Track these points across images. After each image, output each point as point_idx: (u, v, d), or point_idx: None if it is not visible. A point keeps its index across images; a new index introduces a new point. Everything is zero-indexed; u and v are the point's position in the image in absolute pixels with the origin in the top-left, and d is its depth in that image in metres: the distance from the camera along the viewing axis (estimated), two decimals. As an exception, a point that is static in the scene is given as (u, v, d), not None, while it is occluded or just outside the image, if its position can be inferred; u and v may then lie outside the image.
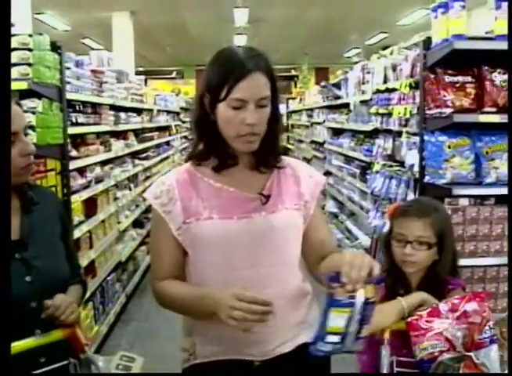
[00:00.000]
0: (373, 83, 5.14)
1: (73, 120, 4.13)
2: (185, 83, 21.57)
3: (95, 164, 4.72)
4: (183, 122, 11.57)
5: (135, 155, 6.73)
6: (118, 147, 5.61)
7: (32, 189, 1.92)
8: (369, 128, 5.30)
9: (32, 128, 3.28)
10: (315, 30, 15.48)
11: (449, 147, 3.35)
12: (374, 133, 5.21)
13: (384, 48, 5.37)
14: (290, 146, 14.44)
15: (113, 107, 5.38)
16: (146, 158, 7.23)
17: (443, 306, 1.92)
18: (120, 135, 6.01)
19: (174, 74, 23.24)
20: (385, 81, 4.75)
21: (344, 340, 1.51)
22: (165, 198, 1.78)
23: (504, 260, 3.35)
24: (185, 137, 11.66)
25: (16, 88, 3.17)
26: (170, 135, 9.72)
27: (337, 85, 7.39)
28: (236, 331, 1.67)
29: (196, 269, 1.80)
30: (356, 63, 6.64)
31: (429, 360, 1.86)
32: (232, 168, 1.82)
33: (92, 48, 13.48)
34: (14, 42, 3.33)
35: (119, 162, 5.82)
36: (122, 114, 5.82)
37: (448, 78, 3.36)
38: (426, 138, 3.48)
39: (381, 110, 4.77)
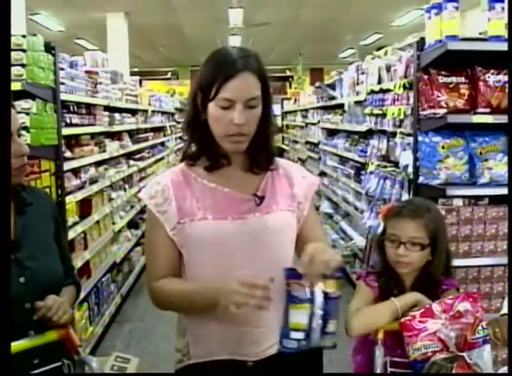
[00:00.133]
0: (368, 84, 5.14)
1: (68, 121, 4.12)
2: (179, 84, 21.51)
3: (89, 164, 4.71)
4: (178, 123, 11.55)
5: (129, 156, 6.72)
6: (113, 148, 5.61)
7: (25, 190, 1.92)
8: (363, 128, 5.31)
9: (26, 129, 3.27)
10: (310, 31, 15.49)
11: (443, 148, 3.36)
12: (369, 134, 5.22)
13: (379, 49, 5.37)
14: (284, 147, 14.44)
15: (107, 108, 5.37)
16: (140, 159, 7.22)
17: (436, 306, 1.93)
18: (115, 135, 6.00)
19: (169, 75, 23.19)
20: (379, 82, 4.76)
21: (309, 336, 1.51)
22: (160, 198, 1.78)
23: (498, 260, 3.37)
24: (180, 138, 11.63)
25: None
26: (165, 135, 9.71)
27: (332, 86, 7.40)
28: (229, 332, 1.68)
29: (190, 270, 1.80)
30: (351, 63, 6.64)
31: (422, 360, 1.87)
32: (225, 168, 1.82)
33: (87, 49, 13.46)
34: (8, 43, 3.32)
35: (114, 163, 5.81)
36: (117, 115, 5.81)
37: (441, 79, 3.37)
38: (420, 138, 3.49)
39: (375, 111, 4.78)
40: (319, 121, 8.50)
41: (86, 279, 4.48)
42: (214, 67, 1.71)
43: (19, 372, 1.66)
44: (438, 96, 3.35)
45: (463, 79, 3.38)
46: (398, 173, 4.08)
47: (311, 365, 1.88)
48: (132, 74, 11.42)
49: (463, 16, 3.74)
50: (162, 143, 9.49)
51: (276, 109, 13.76)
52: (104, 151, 5.24)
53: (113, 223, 5.60)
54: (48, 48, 3.67)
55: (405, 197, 3.84)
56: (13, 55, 3.30)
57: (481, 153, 3.37)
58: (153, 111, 8.53)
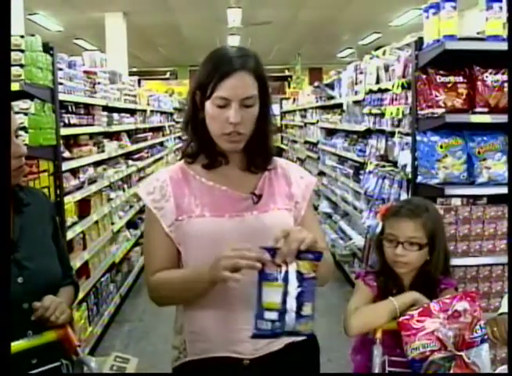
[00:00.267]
0: (366, 83, 5.15)
1: (66, 121, 4.12)
2: (178, 84, 21.51)
3: (88, 165, 4.71)
4: (177, 123, 11.55)
5: (128, 156, 6.72)
6: (111, 148, 5.61)
7: (23, 190, 1.93)
8: (362, 128, 5.32)
9: (24, 129, 3.27)
10: (309, 31, 15.49)
11: (441, 147, 3.36)
12: (367, 133, 5.22)
13: (377, 49, 5.37)
14: (283, 147, 14.45)
15: (106, 108, 5.37)
16: (139, 159, 7.21)
17: (434, 306, 1.93)
18: (114, 135, 6.00)
19: (167, 75, 23.18)
20: (378, 82, 4.77)
21: (283, 317, 1.49)
22: (158, 194, 1.80)
23: (497, 259, 3.38)
24: (179, 138, 11.64)
25: (8, 90, 3.16)
26: (163, 135, 9.71)
27: (331, 86, 7.40)
28: (225, 329, 1.68)
29: (187, 267, 1.80)
30: (349, 63, 6.64)
31: (420, 360, 1.88)
32: (223, 166, 1.83)
33: (86, 49, 13.45)
34: (6, 43, 3.32)
35: (112, 163, 5.81)
36: (115, 115, 5.81)
37: (440, 78, 3.37)
38: (418, 138, 3.49)
39: (374, 111, 4.78)
40: (317, 121, 8.51)
41: (85, 279, 4.48)
42: (212, 66, 1.71)
43: (18, 372, 1.66)
44: (436, 96, 3.35)
45: (461, 79, 3.39)
46: (397, 173, 4.09)
47: (307, 364, 1.89)
48: (131, 74, 11.42)
49: (461, 15, 3.75)
50: (161, 143, 9.49)
51: (275, 108, 13.75)
52: (103, 151, 5.24)
53: (112, 223, 5.60)
54: (47, 48, 3.67)
55: (404, 196, 3.85)
56: (11, 55, 3.30)
57: (479, 153, 3.37)
58: (152, 111, 8.52)
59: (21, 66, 3.33)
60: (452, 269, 2.60)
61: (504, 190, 3.13)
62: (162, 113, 9.73)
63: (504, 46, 2.93)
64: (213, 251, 1.64)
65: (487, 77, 3.33)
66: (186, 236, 1.76)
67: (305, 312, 1.51)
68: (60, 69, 4.00)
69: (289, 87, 20.87)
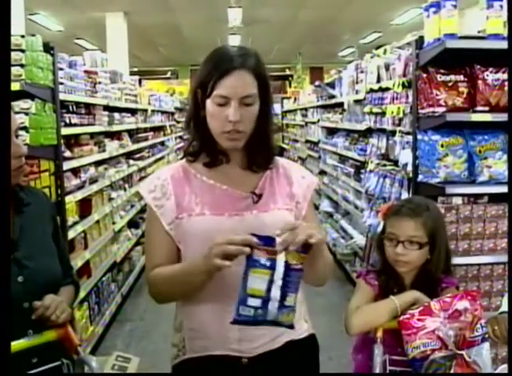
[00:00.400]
0: (367, 82, 5.15)
1: (67, 121, 4.12)
2: (179, 83, 21.52)
3: (89, 164, 4.72)
4: (178, 122, 11.55)
5: (129, 155, 6.72)
6: (112, 148, 5.61)
7: (23, 190, 1.93)
8: (362, 127, 5.32)
9: (25, 129, 3.28)
10: (310, 30, 15.49)
11: (442, 146, 3.37)
12: (368, 132, 5.22)
13: (378, 48, 5.37)
14: (284, 146, 14.44)
15: (107, 108, 5.37)
16: (140, 158, 7.22)
17: (435, 305, 1.93)
18: (115, 135, 6.00)
19: (168, 74, 23.20)
20: (378, 81, 4.76)
21: (266, 305, 1.49)
22: (159, 192, 1.81)
23: (498, 258, 3.38)
24: (180, 137, 11.65)
25: (9, 89, 3.16)
26: (164, 135, 9.71)
27: (331, 85, 7.40)
28: (224, 327, 1.68)
29: None
30: (350, 62, 6.64)
31: (421, 359, 1.87)
32: (224, 165, 1.84)
33: (86, 49, 13.46)
34: (7, 43, 3.32)
35: (113, 162, 5.82)
36: (116, 115, 5.81)
37: (440, 77, 3.37)
38: (419, 137, 3.49)
39: (375, 110, 4.78)
40: (318, 120, 8.51)
41: (86, 278, 4.49)
42: (212, 65, 1.72)
43: (18, 371, 1.67)
44: (437, 95, 3.35)
45: (461, 77, 3.39)
46: (398, 171, 4.09)
47: (307, 363, 1.89)
48: (132, 73, 11.42)
49: (461, 14, 3.74)
50: (162, 143, 9.49)
51: (276, 108, 13.75)
52: (104, 151, 5.25)
53: (114, 223, 5.60)
54: (47, 48, 3.67)
55: (405, 195, 3.85)
56: (12, 55, 3.30)
57: (480, 152, 3.37)
58: (153, 111, 8.53)
59: (22, 66, 3.33)
60: (453, 268, 2.60)
61: (505, 189, 3.13)
62: (163, 112, 9.73)
63: (505, 45, 2.93)
64: None
65: (487, 75, 3.33)
66: (186, 234, 1.77)
67: (288, 303, 1.52)
68: (61, 69, 4.00)
69: (290, 86, 20.85)
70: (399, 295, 2.10)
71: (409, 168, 3.73)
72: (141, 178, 7.14)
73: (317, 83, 8.81)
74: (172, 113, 11.09)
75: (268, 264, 1.49)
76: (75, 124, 4.32)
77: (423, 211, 2.22)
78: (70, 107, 4.28)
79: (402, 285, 2.24)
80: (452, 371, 1.83)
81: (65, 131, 3.99)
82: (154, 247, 1.83)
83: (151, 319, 5.32)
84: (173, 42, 17.10)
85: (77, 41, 15.90)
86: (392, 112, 4.15)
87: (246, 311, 1.49)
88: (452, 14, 3.23)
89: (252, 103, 1.72)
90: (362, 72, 5.52)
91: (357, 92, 5.71)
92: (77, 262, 4.05)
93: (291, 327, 1.57)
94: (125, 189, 6.22)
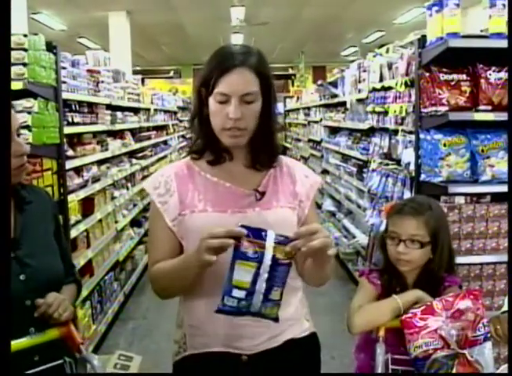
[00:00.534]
0: (369, 81, 5.14)
1: (70, 119, 4.13)
2: (182, 82, 21.52)
3: (91, 163, 4.72)
4: (180, 121, 11.56)
5: (132, 154, 6.72)
6: (115, 147, 5.61)
7: (25, 188, 1.93)
8: (365, 126, 5.32)
9: (28, 127, 3.28)
10: (312, 29, 15.48)
11: (445, 145, 3.36)
12: (371, 131, 5.22)
13: (380, 47, 5.37)
14: (287, 145, 14.44)
15: (109, 107, 5.38)
16: (143, 157, 7.22)
17: (437, 304, 1.93)
18: (117, 134, 6.01)
19: (171, 74, 23.22)
20: (381, 80, 4.76)
21: (251, 298, 1.49)
22: (162, 189, 1.82)
23: (500, 258, 3.37)
24: (183, 136, 11.65)
25: (11, 88, 3.16)
26: (167, 134, 9.71)
27: (334, 84, 7.39)
28: (224, 324, 1.69)
29: None
30: (353, 61, 6.64)
31: (423, 358, 1.88)
32: (228, 163, 1.85)
33: (89, 48, 13.48)
34: (9, 42, 3.32)
35: (116, 161, 5.82)
36: (119, 114, 5.82)
37: (443, 76, 3.37)
38: (421, 136, 3.49)
39: (377, 109, 4.78)
40: (321, 119, 8.51)
41: (89, 277, 4.49)
42: (214, 62, 1.73)
43: (20, 369, 1.67)
44: (440, 94, 3.35)
45: (464, 76, 3.38)
46: (400, 171, 4.09)
47: (307, 362, 1.89)
48: (134, 72, 11.45)
49: (464, 13, 3.74)
50: (165, 142, 9.49)
51: (279, 107, 13.76)
52: (106, 150, 5.25)
53: (116, 222, 5.61)
54: (50, 47, 3.67)
55: (407, 194, 3.85)
56: (15, 54, 3.31)
57: (482, 151, 3.37)
58: (156, 110, 8.53)
59: (24, 65, 3.33)
60: (456, 267, 2.60)
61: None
62: (166, 111, 9.73)
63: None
64: None
65: (490, 74, 3.33)
66: (188, 231, 1.77)
67: (273, 297, 1.52)
68: (64, 68, 4.00)
69: (292, 85, 20.88)
70: (402, 294, 2.10)
71: (412, 167, 3.73)
72: (143, 177, 7.15)
73: (320, 82, 8.81)
74: (175, 113, 11.09)
75: (254, 257, 1.49)
76: (78, 123, 4.32)
77: (425, 210, 2.22)
78: (73, 106, 4.28)
79: (404, 284, 2.24)
80: (454, 370, 1.83)
81: (68, 130, 3.99)
82: (157, 243, 1.84)
83: (154, 317, 5.32)
84: (176, 41, 17.11)
85: (80, 40, 15.91)
86: (395, 111, 4.15)
87: (231, 302, 1.50)
88: (454, 13, 3.22)
89: (253, 100, 1.72)
90: (364, 71, 5.52)
91: (359, 91, 5.70)
92: (79, 260, 4.06)
93: (276, 320, 1.57)
94: (128, 188, 6.22)
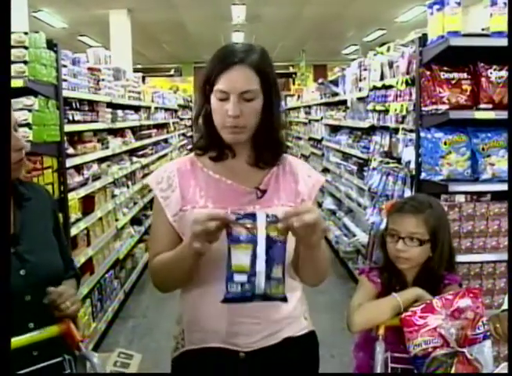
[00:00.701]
0: (370, 80, 5.14)
1: (70, 117, 4.13)
2: (183, 80, 21.55)
3: (92, 161, 4.72)
4: (181, 119, 11.56)
5: (132, 152, 6.72)
6: (115, 145, 5.61)
7: (24, 185, 1.94)
8: (366, 124, 5.31)
9: (28, 125, 3.28)
10: (313, 28, 15.47)
11: (445, 144, 3.36)
12: (371, 130, 5.22)
13: (381, 45, 5.36)
14: (288, 143, 14.43)
15: (110, 105, 5.38)
16: (143, 156, 7.22)
17: (437, 302, 1.94)
18: (118, 132, 6.01)
19: (172, 72, 23.20)
20: (382, 78, 4.76)
21: (252, 280, 1.48)
22: (165, 184, 1.83)
23: (500, 256, 3.37)
24: (183, 134, 11.66)
25: (11, 86, 3.16)
26: (168, 132, 9.72)
27: (335, 82, 7.39)
28: (222, 320, 1.70)
29: None
30: (353, 60, 6.63)
31: (423, 356, 1.88)
32: (231, 161, 1.85)
33: (90, 46, 13.46)
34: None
35: (116, 160, 5.82)
36: (119, 112, 5.82)
37: (444, 75, 3.37)
38: (422, 134, 3.49)
39: (378, 107, 4.78)
40: (322, 118, 8.50)
41: (89, 275, 4.49)
42: (216, 60, 1.73)
43: (19, 364, 1.67)
44: (440, 92, 3.34)
45: (465, 75, 3.38)
46: (401, 169, 4.08)
47: (306, 360, 1.89)
48: (135, 70, 11.42)
49: (465, 11, 3.74)
50: (165, 140, 9.50)
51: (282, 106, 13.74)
52: (107, 148, 5.25)
53: (116, 220, 5.61)
54: (51, 45, 3.67)
55: (408, 193, 3.85)
56: (15, 52, 3.31)
57: (483, 149, 3.37)
58: (156, 108, 8.53)
59: (25, 62, 3.33)
60: (456, 266, 2.60)
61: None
62: (166, 109, 9.73)
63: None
64: None
65: (491, 73, 3.32)
66: (188, 226, 1.77)
67: (275, 274, 1.51)
68: (64, 66, 4.00)
69: (293, 84, 20.87)
70: (401, 292, 2.10)
71: (412, 165, 3.73)
72: (144, 176, 7.15)
73: (320, 80, 8.81)
74: (175, 111, 11.09)
75: (248, 238, 1.49)
76: (78, 121, 4.32)
77: (425, 208, 2.22)
78: (74, 104, 4.28)
79: (404, 282, 2.24)
80: (453, 369, 1.83)
81: (68, 128, 3.99)
82: (158, 237, 1.85)
83: (154, 316, 5.32)
84: (176, 39, 17.09)
85: (81, 38, 15.90)
86: (395, 109, 4.15)
87: (234, 287, 1.49)
88: (455, 12, 3.22)
89: (253, 98, 1.71)
90: (365, 70, 5.52)
91: (360, 90, 5.70)
92: (79, 258, 4.06)
93: (284, 299, 1.55)
94: (128, 187, 6.22)
